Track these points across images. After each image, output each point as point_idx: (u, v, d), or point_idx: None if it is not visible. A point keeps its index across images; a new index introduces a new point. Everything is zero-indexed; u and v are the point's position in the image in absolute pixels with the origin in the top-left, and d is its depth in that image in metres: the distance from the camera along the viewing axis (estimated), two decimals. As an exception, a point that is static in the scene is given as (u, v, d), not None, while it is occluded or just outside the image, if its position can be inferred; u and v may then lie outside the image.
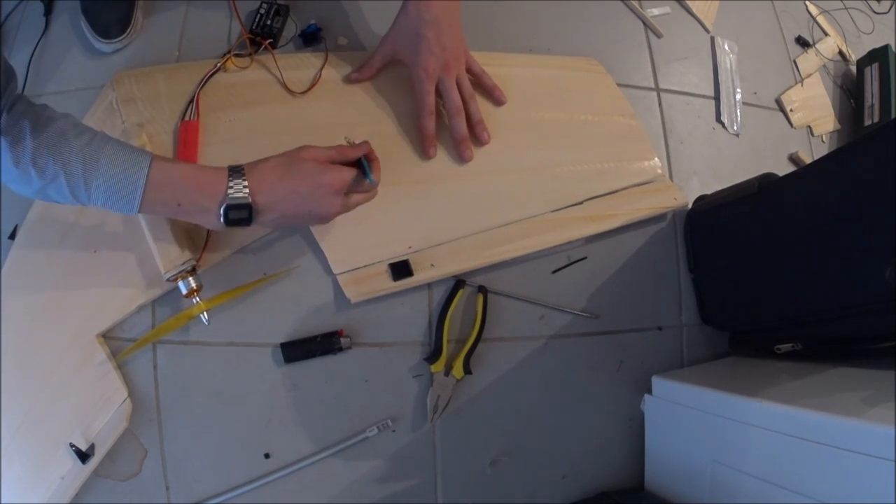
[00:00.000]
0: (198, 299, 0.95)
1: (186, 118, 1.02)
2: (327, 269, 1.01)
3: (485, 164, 1.11)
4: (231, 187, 0.81)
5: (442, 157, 1.09)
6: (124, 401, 0.96)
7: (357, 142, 0.96)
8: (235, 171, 0.82)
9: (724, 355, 1.22)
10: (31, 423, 0.96)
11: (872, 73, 1.55)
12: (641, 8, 1.38)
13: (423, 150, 1.08)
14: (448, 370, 1.03)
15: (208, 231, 0.98)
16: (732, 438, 0.91)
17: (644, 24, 1.38)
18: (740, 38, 1.48)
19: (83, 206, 0.78)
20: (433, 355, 1.03)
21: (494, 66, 1.16)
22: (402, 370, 1.05)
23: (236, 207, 0.81)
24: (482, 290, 1.06)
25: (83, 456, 0.93)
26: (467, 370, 1.03)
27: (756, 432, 0.85)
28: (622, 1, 1.38)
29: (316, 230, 1.01)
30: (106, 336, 0.98)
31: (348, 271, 1.01)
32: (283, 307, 1.01)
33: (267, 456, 1.00)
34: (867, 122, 1.53)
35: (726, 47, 1.45)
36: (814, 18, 1.64)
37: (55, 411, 0.96)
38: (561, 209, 1.12)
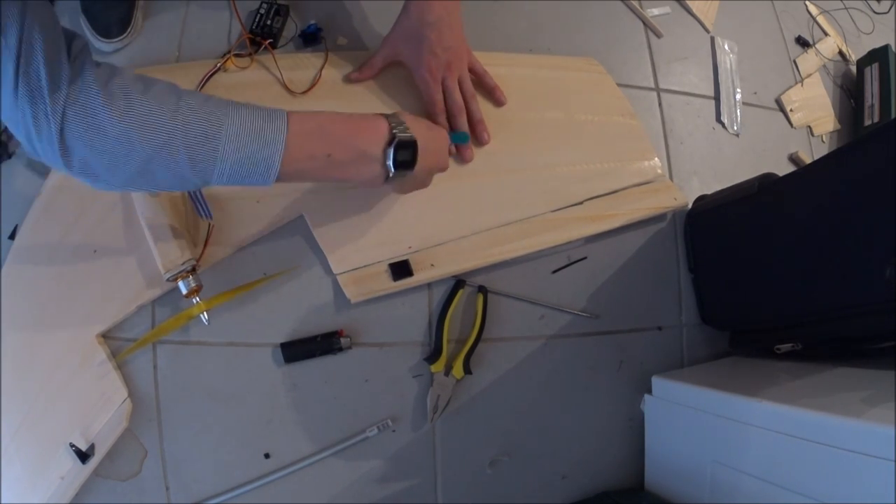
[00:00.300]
0: (198, 299, 0.95)
1: None
2: (327, 269, 1.01)
3: (485, 164, 1.11)
4: (395, 126, 0.77)
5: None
6: (124, 401, 0.96)
7: None
8: (390, 115, 0.80)
9: (724, 355, 1.22)
10: (31, 423, 0.96)
11: (872, 73, 1.55)
12: (641, 8, 1.38)
13: None
14: (448, 370, 1.03)
15: (209, 231, 0.98)
16: (732, 438, 0.91)
17: (644, 24, 1.38)
18: (740, 38, 1.49)
19: (201, 183, 0.67)
20: (433, 355, 1.03)
21: (494, 66, 1.16)
22: (402, 370, 1.05)
23: (405, 146, 0.78)
24: (482, 290, 1.06)
25: (83, 456, 0.93)
26: (467, 370, 1.03)
27: (756, 432, 0.86)
28: (622, 1, 1.38)
29: (316, 230, 1.01)
30: (106, 336, 0.98)
31: (348, 271, 1.01)
32: (283, 307, 1.01)
33: (267, 456, 1.00)
34: (867, 122, 1.53)
35: (726, 47, 1.45)
36: (814, 18, 1.64)
37: (55, 411, 0.96)
38: (561, 209, 1.12)
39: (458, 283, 1.06)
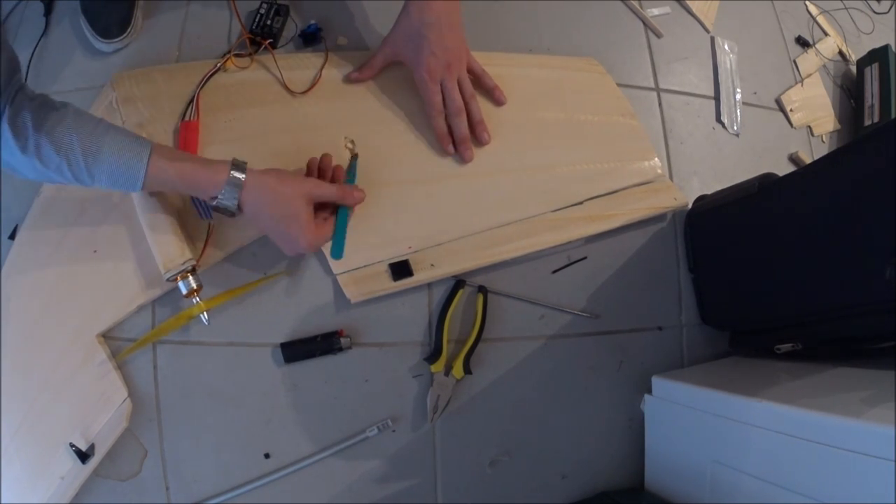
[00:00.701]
0: (198, 299, 0.95)
1: (187, 118, 1.02)
2: (328, 269, 1.02)
3: (485, 164, 1.11)
4: (222, 194, 0.85)
5: (442, 158, 1.10)
6: (124, 401, 0.97)
7: (354, 142, 1.02)
8: (235, 175, 0.85)
9: (724, 355, 1.22)
10: (31, 423, 0.96)
11: (872, 73, 1.55)
12: (641, 8, 1.38)
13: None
14: (448, 370, 1.03)
15: (209, 231, 0.98)
16: (732, 438, 0.91)
17: (644, 24, 1.39)
18: (740, 39, 1.48)
19: (87, 187, 0.82)
20: (433, 355, 1.03)
21: (495, 66, 1.16)
22: (402, 370, 1.05)
23: (222, 209, 0.88)
24: (482, 290, 1.07)
25: (83, 456, 0.94)
26: (467, 370, 1.03)
27: (756, 432, 0.85)
28: (622, 1, 1.38)
29: None
30: (106, 336, 0.99)
31: (348, 271, 1.02)
32: (283, 307, 1.02)
33: (267, 456, 1.00)
34: (867, 122, 1.53)
35: (726, 47, 1.45)
36: (814, 18, 1.64)
37: (55, 411, 0.96)
38: (561, 209, 1.12)
39: (458, 283, 1.06)
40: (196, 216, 0.99)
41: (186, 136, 1.01)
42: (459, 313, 1.07)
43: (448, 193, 1.08)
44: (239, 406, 1.00)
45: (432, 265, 1.04)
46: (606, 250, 1.17)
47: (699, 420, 0.98)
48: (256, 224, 0.93)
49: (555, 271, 1.13)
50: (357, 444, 1.02)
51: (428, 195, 1.07)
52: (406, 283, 1.02)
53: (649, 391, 1.11)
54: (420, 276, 1.03)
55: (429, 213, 1.06)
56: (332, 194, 0.95)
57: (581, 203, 1.14)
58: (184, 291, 0.94)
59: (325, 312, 1.02)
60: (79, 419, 0.96)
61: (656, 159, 1.22)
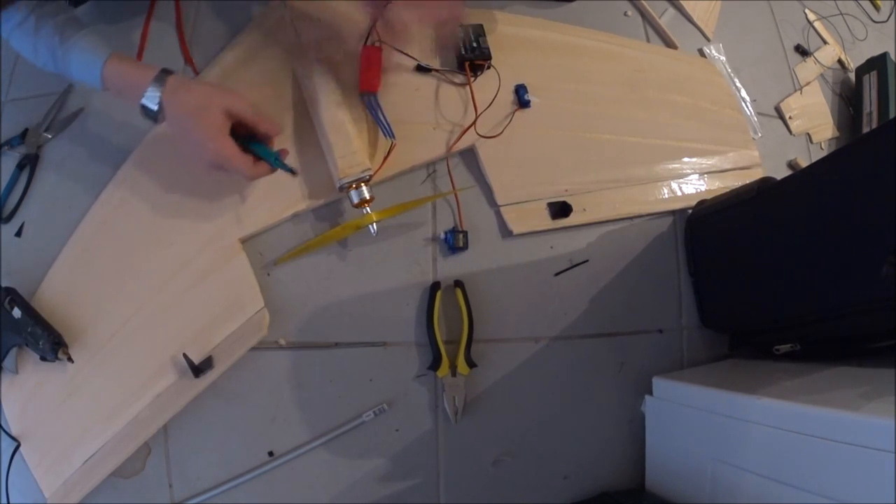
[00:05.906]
0: (368, 209, 0.98)
1: (369, 43, 1.02)
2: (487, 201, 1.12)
3: (633, 130, 1.25)
4: (146, 95, 0.87)
5: (602, 115, 1.24)
6: (260, 310, 0.97)
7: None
8: (158, 80, 0.87)
9: (724, 358, 1.22)
10: (146, 318, 0.97)
11: (871, 81, 1.56)
12: (658, 19, 1.40)
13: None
14: (454, 371, 1.04)
15: (390, 148, 1.02)
16: (733, 436, 0.91)
17: (659, 36, 1.41)
18: (740, 47, 1.50)
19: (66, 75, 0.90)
20: (435, 362, 1.04)
21: (645, 52, 1.36)
22: (406, 370, 1.05)
23: (146, 112, 0.89)
24: (458, 284, 1.07)
25: (196, 370, 0.93)
26: (471, 364, 1.04)
27: (756, 429, 0.86)
28: (640, 13, 1.41)
29: (486, 162, 1.12)
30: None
31: (511, 204, 1.12)
32: (287, 304, 1.02)
33: (271, 454, 1.00)
34: (865, 130, 1.54)
35: (716, 53, 1.47)
36: (812, 26, 1.65)
37: (174, 315, 0.96)
38: (678, 179, 1.28)
39: (434, 284, 1.06)
40: (378, 133, 1.04)
41: (369, 59, 1.01)
42: (444, 314, 1.08)
43: (602, 147, 1.21)
44: (243, 404, 1.00)
45: (584, 210, 1.15)
46: (608, 254, 1.18)
47: (700, 419, 0.98)
48: (171, 128, 0.91)
49: (557, 274, 1.14)
50: (361, 444, 1.03)
51: (586, 145, 1.19)
52: (562, 222, 1.13)
53: (650, 393, 1.11)
54: (574, 218, 1.14)
55: (585, 161, 1.18)
56: (248, 115, 0.90)
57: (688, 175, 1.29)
58: (355, 200, 0.97)
59: (329, 311, 1.03)
60: (199, 328, 0.96)
61: (756, 151, 1.38)
